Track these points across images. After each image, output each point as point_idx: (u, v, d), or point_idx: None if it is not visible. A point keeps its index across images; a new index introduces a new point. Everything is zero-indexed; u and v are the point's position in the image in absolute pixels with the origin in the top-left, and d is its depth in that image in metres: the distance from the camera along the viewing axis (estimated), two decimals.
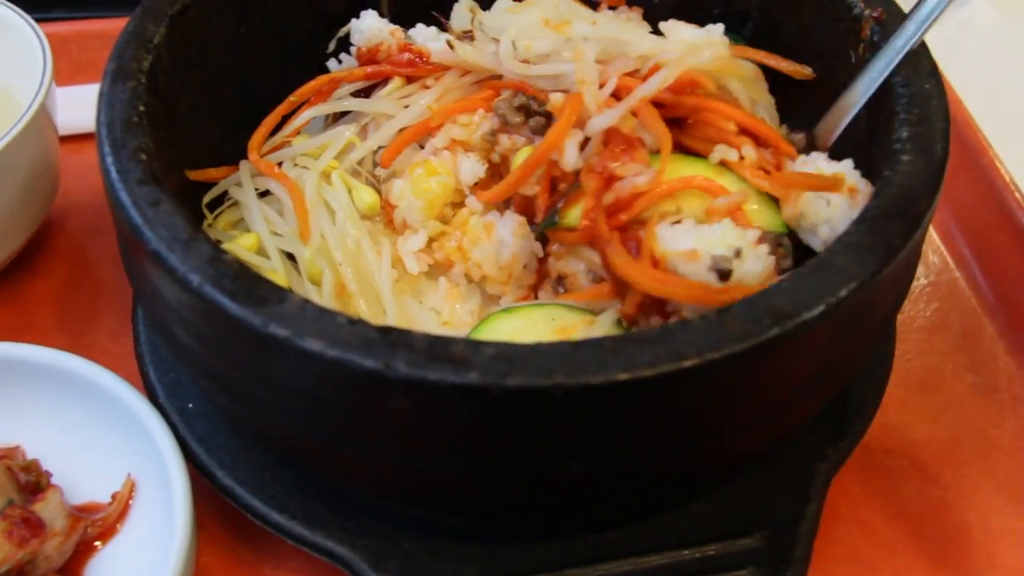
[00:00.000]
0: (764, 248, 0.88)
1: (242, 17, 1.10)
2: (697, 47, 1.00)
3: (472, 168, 1.02)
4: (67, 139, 1.32)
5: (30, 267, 1.25)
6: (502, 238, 0.99)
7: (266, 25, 1.13)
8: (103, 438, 0.98)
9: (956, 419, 1.11)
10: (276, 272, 0.97)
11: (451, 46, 1.06)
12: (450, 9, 1.15)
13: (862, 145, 0.97)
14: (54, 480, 0.97)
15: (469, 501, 0.88)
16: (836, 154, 1.00)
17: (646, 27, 1.11)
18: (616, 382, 0.70)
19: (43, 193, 1.21)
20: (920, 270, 1.24)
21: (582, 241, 0.94)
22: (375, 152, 1.06)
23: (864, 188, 0.91)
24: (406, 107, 1.07)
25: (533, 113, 1.02)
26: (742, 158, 0.96)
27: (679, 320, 0.74)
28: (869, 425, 0.99)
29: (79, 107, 1.33)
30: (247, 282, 0.77)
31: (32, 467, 0.97)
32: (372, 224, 1.04)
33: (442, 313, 1.00)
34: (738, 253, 0.86)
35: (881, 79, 0.95)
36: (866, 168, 0.93)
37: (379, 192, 1.04)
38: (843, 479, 1.00)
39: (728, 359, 0.72)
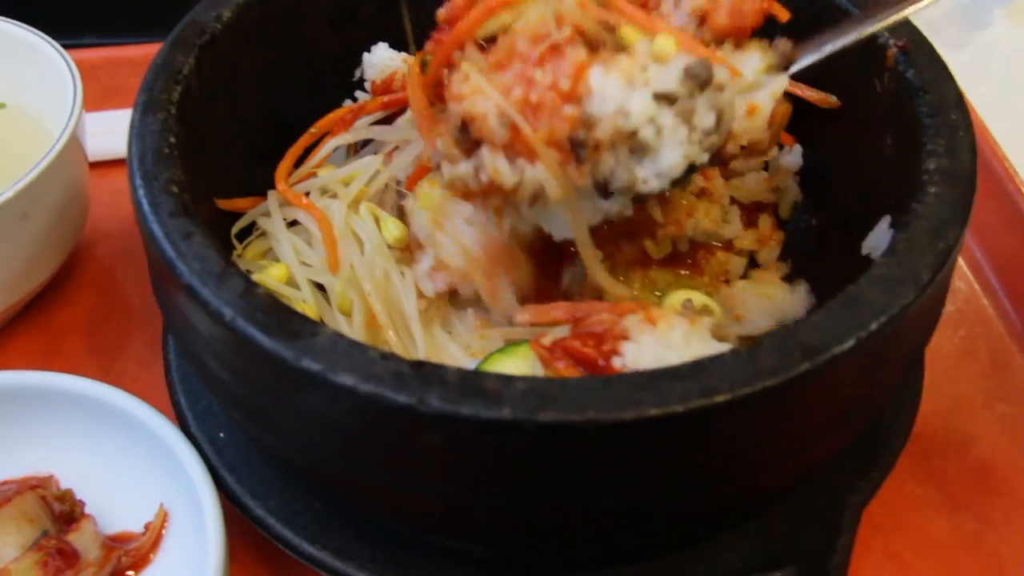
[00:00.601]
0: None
1: (268, 47, 1.11)
2: None
3: None
4: (95, 165, 1.33)
5: (60, 294, 1.26)
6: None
7: (292, 54, 1.14)
8: (135, 467, 0.99)
9: (987, 449, 1.10)
10: (306, 303, 0.98)
11: None
12: None
13: (889, 176, 0.97)
14: (87, 510, 0.98)
15: (499, 533, 0.88)
16: (860, 186, 1.01)
17: None
18: (648, 417, 0.71)
19: (73, 220, 1.22)
20: (947, 298, 1.23)
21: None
22: (400, 183, 1.07)
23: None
24: None
25: None
26: None
27: (711, 356, 0.74)
28: (899, 456, 0.99)
29: (107, 133, 1.35)
30: (279, 315, 0.77)
31: (66, 497, 0.97)
32: (399, 254, 1.05)
33: (471, 346, 1.00)
34: None
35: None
36: (894, 199, 0.93)
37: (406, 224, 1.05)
38: (873, 511, 0.99)
39: (759, 394, 0.72)
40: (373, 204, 1.05)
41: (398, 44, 1.16)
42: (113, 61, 1.53)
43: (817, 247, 1.11)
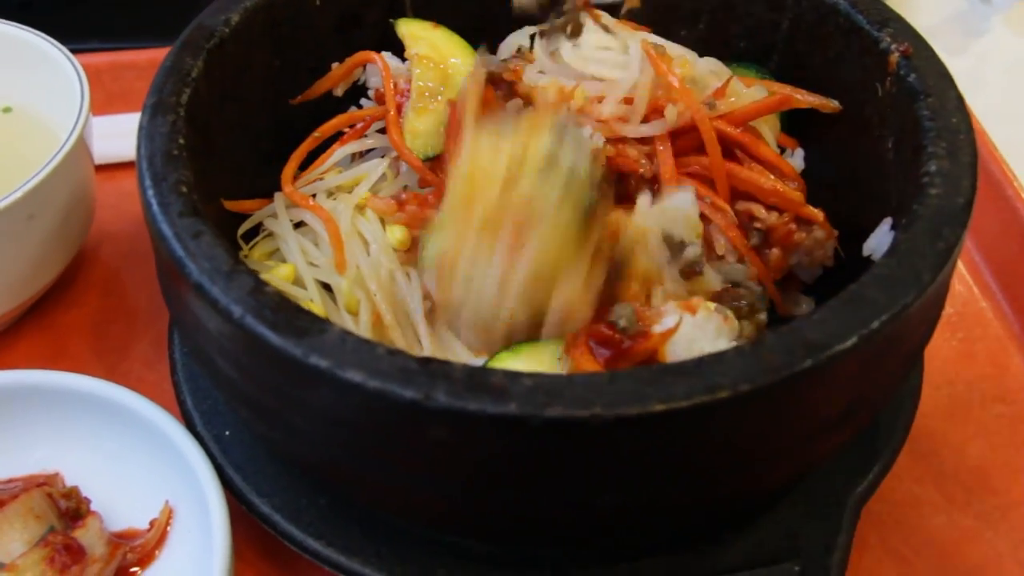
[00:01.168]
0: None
1: (275, 51, 1.11)
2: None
3: None
4: (101, 168, 1.34)
5: (65, 295, 1.26)
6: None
7: (299, 58, 1.15)
8: (141, 465, 1.00)
9: (984, 448, 1.11)
10: (313, 302, 0.99)
11: None
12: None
13: (890, 178, 0.98)
14: (93, 507, 0.99)
15: (505, 529, 0.89)
16: (862, 188, 1.02)
17: None
18: (653, 413, 0.71)
19: (79, 223, 1.22)
20: (946, 300, 1.24)
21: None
22: (407, 188, 1.08)
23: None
24: None
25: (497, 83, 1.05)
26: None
27: (715, 352, 0.75)
28: (898, 454, 1.00)
29: (113, 136, 1.36)
30: (288, 313, 0.78)
31: (72, 494, 0.98)
32: (403, 255, 1.06)
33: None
34: None
35: None
36: (896, 201, 0.94)
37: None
38: (872, 508, 1.00)
39: (762, 390, 0.73)
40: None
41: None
42: (118, 65, 1.54)
43: None
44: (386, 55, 1.15)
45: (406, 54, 1.14)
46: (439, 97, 1.08)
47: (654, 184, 1.01)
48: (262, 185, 1.10)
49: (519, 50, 1.16)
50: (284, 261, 1.04)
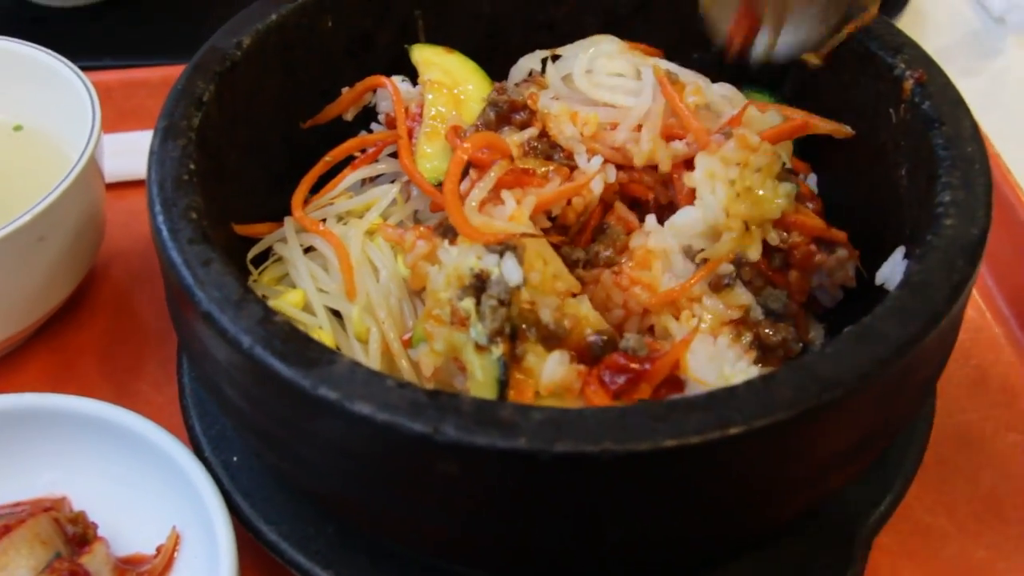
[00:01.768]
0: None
1: (287, 74, 1.11)
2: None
3: None
4: (111, 186, 1.33)
5: (75, 315, 1.26)
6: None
7: (310, 81, 1.15)
8: (148, 490, 0.99)
9: (997, 477, 1.10)
10: (323, 329, 0.99)
11: None
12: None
13: (903, 206, 0.98)
14: (100, 532, 0.98)
15: (513, 561, 0.88)
16: (875, 215, 1.01)
17: None
18: (663, 448, 0.71)
19: (89, 244, 1.22)
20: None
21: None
22: (418, 212, 1.08)
23: None
24: None
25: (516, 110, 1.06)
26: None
27: (727, 387, 0.75)
28: (910, 485, 0.99)
29: (124, 154, 1.36)
30: (297, 344, 0.78)
31: (79, 519, 0.98)
32: (413, 281, 1.05)
33: None
34: None
35: None
36: (909, 230, 0.94)
37: None
38: (883, 539, 0.99)
39: (775, 426, 0.73)
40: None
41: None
42: (130, 83, 1.54)
43: None
44: (396, 79, 1.15)
45: (419, 80, 1.13)
46: (450, 122, 1.08)
47: (667, 211, 1.00)
48: (273, 207, 1.10)
49: (531, 73, 1.16)
50: (294, 286, 1.04)
